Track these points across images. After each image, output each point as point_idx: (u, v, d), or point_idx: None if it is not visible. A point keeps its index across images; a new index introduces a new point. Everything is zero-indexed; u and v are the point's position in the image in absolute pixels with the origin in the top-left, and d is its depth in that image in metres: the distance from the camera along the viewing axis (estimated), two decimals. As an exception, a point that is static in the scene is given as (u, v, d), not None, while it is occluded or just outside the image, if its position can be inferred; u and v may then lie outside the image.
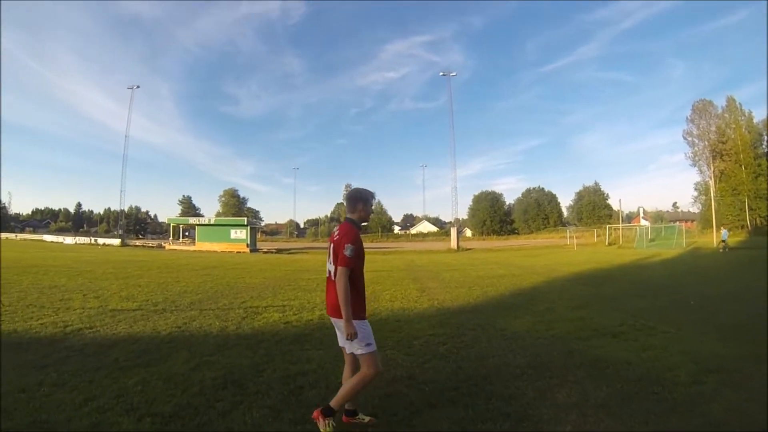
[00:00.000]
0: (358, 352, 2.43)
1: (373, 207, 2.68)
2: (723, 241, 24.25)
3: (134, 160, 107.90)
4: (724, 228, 26.60)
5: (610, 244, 35.27)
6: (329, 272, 2.52)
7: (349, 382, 2.46)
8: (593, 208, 67.02)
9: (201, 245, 34.23)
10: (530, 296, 8.34)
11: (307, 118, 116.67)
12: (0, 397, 2.86)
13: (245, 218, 38.29)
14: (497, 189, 77.93)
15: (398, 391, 3.14)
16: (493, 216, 71.62)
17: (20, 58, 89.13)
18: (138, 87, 46.18)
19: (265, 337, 4.72)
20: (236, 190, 78.16)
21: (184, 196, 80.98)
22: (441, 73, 45.41)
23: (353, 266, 2.41)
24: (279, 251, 33.59)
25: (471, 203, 74.09)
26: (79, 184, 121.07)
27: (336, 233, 2.54)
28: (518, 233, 69.03)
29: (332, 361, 3.72)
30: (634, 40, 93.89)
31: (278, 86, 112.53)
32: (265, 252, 32.94)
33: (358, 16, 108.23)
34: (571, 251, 28.84)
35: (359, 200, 2.57)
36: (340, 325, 2.45)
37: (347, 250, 2.38)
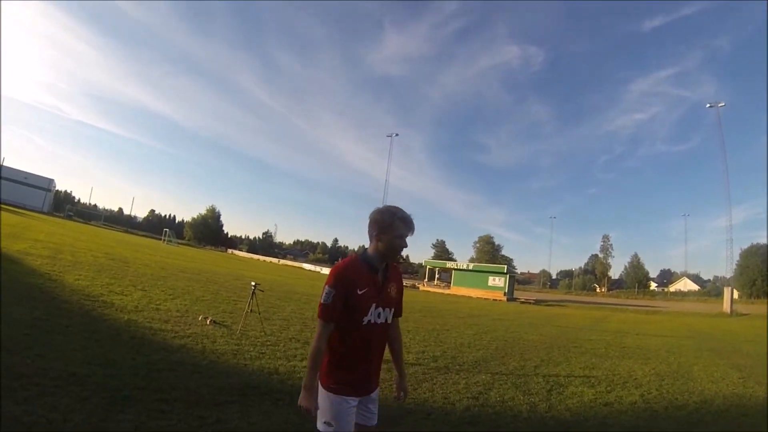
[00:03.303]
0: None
1: (402, 237, 1.78)
2: None
3: (389, 203, 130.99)
4: None
5: None
6: None
7: None
8: None
9: (456, 289, 35.03)
10: None
11: (557, 166, 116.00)
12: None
13: (505, 266, 38.33)
14: (762, 242, 58.31)
15: None
16: (765, 275, 54.17)
17: (290, 119, 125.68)
18: (397, 135, 53.89)
19: (593, 427, 3.95)
20: (492, 237, 77.37)
21: (438, 240, 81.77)
22: (708, 105, 38.79)
23: (331, 319, 1.70)
24: (537, 302, 32.60)
25: (738, 259, 57.74)
26: (337, 222, 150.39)
27: None
28: (796, 296, 50.64)
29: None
30: None
31: (527, 134, 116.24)
32: (523, 302, 32.15)
33: (596, 57, 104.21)
34: None
35: (375, 225, 1.78)
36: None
37: (323, 295, 1.70)
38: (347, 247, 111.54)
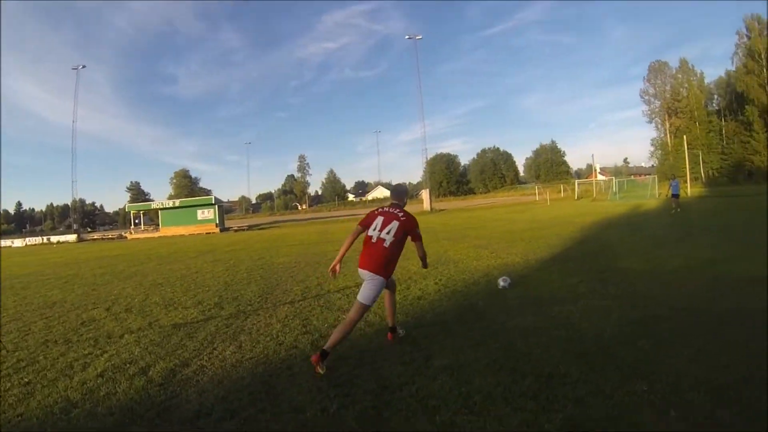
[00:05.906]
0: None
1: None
2: (674, 195, 16.06)
3: (70, 150, 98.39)
4: (675, 179, 17.80)
5: (578, 199, 35.64)
6: (376, 238, 3.18)
7: (342, 328, 3.08)
8: (551, 165, 70.04)
9: (166, 230, 32.68)
10: (602, 244, 8.75)
11: (247, 94, 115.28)
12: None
13: (212, 197, 35.97)
14: (443, 151, 78.99)
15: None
16: (449, 177, 73.14)
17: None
18: (84, 67, 43.20)
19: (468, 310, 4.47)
20: (187, 171, 75.48)
21: (131, 182, 76.88)
22: (407, 37, 45.90)
23: None
24: (251, 228, 32.69)
25: (426, 165, 76.58)
26: (16, 182, 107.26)
27: (392, 210, 3.30)
28: (475, 193, 71.28)
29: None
30: (573, 4, 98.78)
31: (218, 63, 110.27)
32: (236, 230, 31.67)
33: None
34: (546, 206, 28.14)
35: (405, 193, 3.57)
36: (369, 278, 3.13)
37: (418, 228, 3.32)
38: (33, 210, 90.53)
